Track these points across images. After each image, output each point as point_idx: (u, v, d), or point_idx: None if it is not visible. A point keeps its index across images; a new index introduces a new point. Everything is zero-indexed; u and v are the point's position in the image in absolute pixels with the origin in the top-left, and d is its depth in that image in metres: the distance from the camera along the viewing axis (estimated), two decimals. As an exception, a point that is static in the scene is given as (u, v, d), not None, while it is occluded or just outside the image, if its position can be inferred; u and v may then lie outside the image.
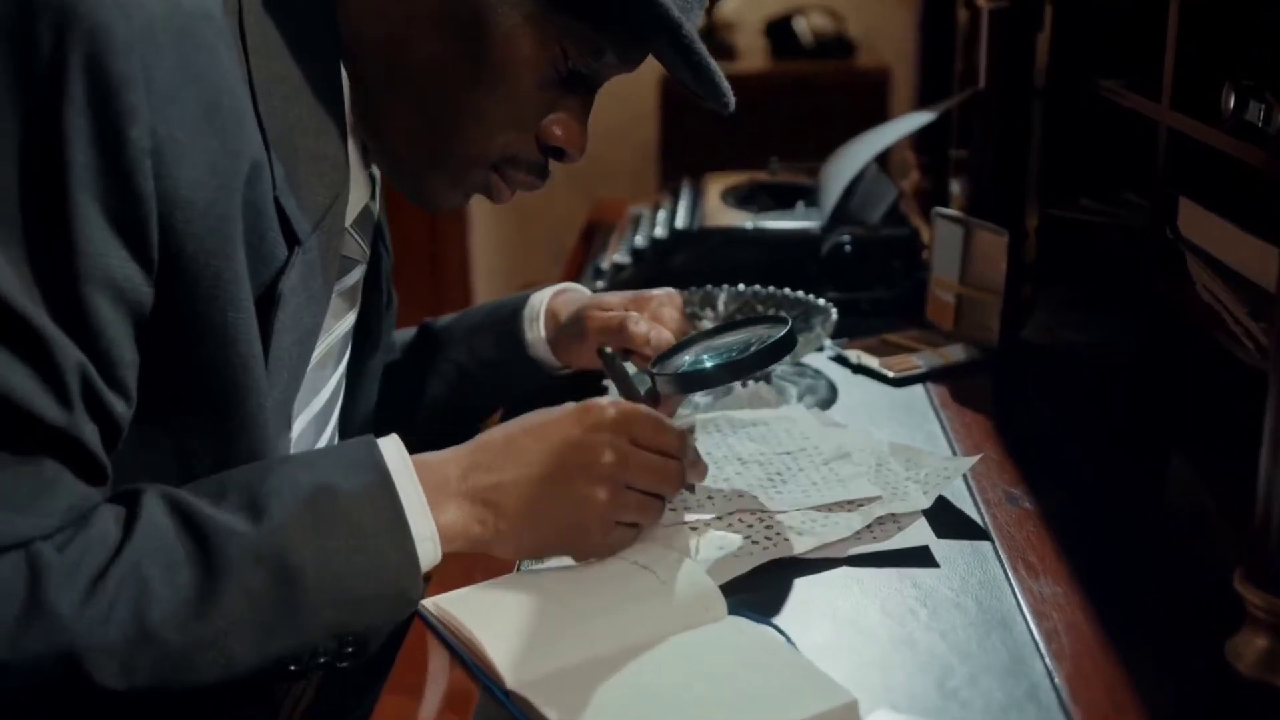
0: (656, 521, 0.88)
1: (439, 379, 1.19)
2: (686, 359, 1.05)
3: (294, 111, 0.83)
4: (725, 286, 1.33)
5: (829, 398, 1.21)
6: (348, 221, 0.92)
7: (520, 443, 0.85)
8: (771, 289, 1.32)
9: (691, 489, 0.93)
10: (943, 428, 1.14)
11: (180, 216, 0.73)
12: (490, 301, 1.24)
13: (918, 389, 1.23)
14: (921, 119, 1.52)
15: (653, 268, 1.47)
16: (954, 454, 1.09)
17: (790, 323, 0.99)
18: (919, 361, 1.26)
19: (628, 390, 0.96)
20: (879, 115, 3.37)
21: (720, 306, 1.33)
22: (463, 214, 3.09)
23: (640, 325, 1.07)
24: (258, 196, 0.78)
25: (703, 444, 1.08)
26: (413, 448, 1.26)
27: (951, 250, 1.33)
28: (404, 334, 1.25)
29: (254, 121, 0.79)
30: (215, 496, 0.77)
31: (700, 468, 0.91)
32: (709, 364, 1.01)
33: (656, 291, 1.14)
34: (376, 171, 0.99)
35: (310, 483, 0.78)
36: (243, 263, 0.78)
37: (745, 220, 1.49)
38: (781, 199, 1.64)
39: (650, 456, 0.85)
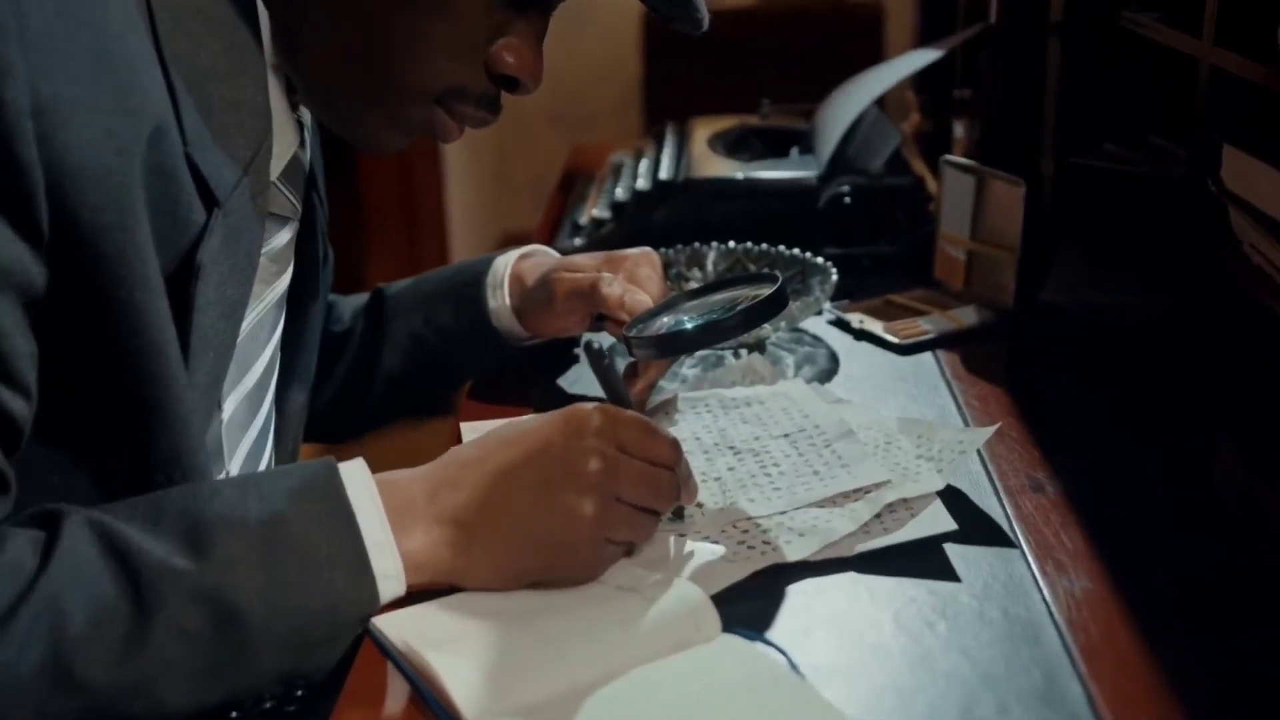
0: (649, 539, 0.79)
1: (394, 350, 1.09)
2: (665, 321, 0.95)
3: (204, 53, 0.72)
4: (714, 244, 1.22)
5: (829, 368, 1.10)
6: (274, 175, 0.82)
7: (495, 455, 0.76)
8: (765, 246, 1.21)
9: (681, 514, 0.83)
10: (956, 402, 1.03)
11: (72, 185, 0.63)
12: (450, 266, 1.13)
13: (926, 357, 1.13)
14: (926, 57, 1.40)
15: (635, 223, 1.36)
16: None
17: (780, 280, 0.89)
18: (927, 326, 1.15)
19: (616, 394, 0.85)
20: (873, 53, 3.24)
21: (709, 266, 1.22)
22: (436, 157, 2.96)
23: (614, 287, 0.97)
24: (165, 156, 0.68)
25: (692, 425, 0.97)
26: (368, 424, 1.17)
27: (962, 202, 1.21)
28: (355, 300, 1.14)
29: (157, 68, 0.69)
30: (149, 522, 0.67)
31: (692, 487, 0.81)
32: (690, 325, 0.91)
33: (632, 251, 1.03)
34: (306, 115, 0.88)
35: (260, 510, 0.69)
36: (148, 235, 0.67)
37: (735, 170, 1.37)
38: (773, 145, 1.52)
39: (641, 465, 0.76)
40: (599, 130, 3.57)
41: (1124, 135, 1.16)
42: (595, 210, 1.40)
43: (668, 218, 1.34)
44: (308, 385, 0.97)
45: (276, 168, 0.82)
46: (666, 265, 1.21)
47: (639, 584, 0.76)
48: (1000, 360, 1.12)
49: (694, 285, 1.14)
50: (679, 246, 1.22)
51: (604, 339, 0.82)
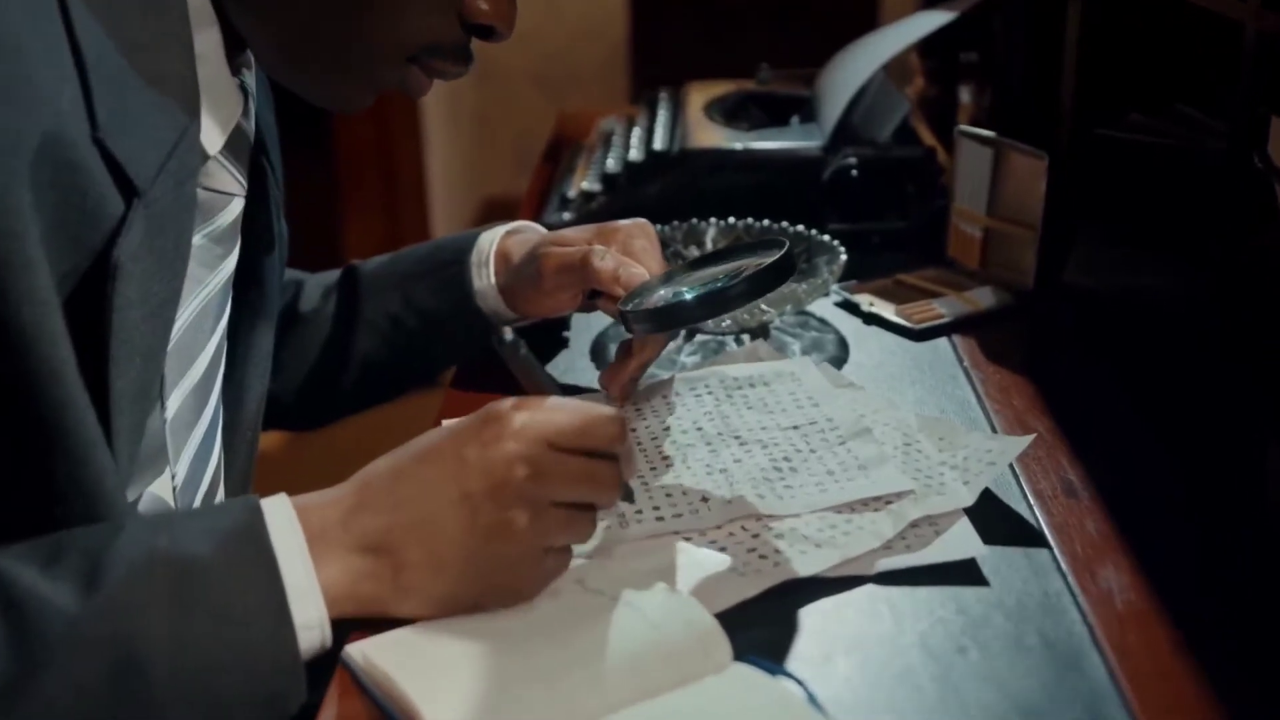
0: (588, 538, 0.71)
1: (369, 333, 1.01)
2: (663, 294, 0.87)
3: (120, 22, 0.64)
4: (713, 220, 1.14)
5: (838, 355, 1.03)
6: (215, 149, 0.74)
7: (411, 472, 0.68)
8: (767, 222, 1.13)
9: (630, 495, 0.74)
10: (976, 393, 0.96)
11: None
12: (429, 242, 1.05)
13: (941, 342, 1.05)
14: (935, 20, 1.31)
15: (627, 196, 1.27)
16: (992, 428, 0.91)
17: (788, 244, 0.82)
18: (942, 309, 1.08)
19: (537, 384, 0.75)
20: (869, 14, 3.14)
21: (708, 242, 1.14)
22: (415, 121, 2.86)
23: (607, 260, 0.89)
24: (67, 147, 0.60)
25: (693, 412, 0.90)
26: (341, 411, 1.07)
27: (978, 176, 1.13)
28: (325, 278, 1.06)
29: (63, 45, 0.61)
30: (46, 561, 0.59)
31: (634, 464, 0.74)
32: (690, 296, 0.83)
33: (625, 222, 0.95)
34: (250, 79, 0.80)
35: (171, 551, 0.61)
36: (38, 242, 0.59)
37: (734, 140, 1.29)
38: (773, 113, 1.43)
39: (574, 462, 0.68)
40: (583, 92, 3.47)
41: (1151, 104, 1.08)
42: (585, 183, 1.32)
43: (662, 191, 1.26)
44: (265, 372, 0.89)
45: (216, 142, 0.75)
46: (663, 243, 1.13)
47: (639, 599, 0.68)
48: (1020, 346, 1.04)
49: (695, 256, 1.07)
50: (675, 223, 1.14)
51: (508, 332, 0.72)
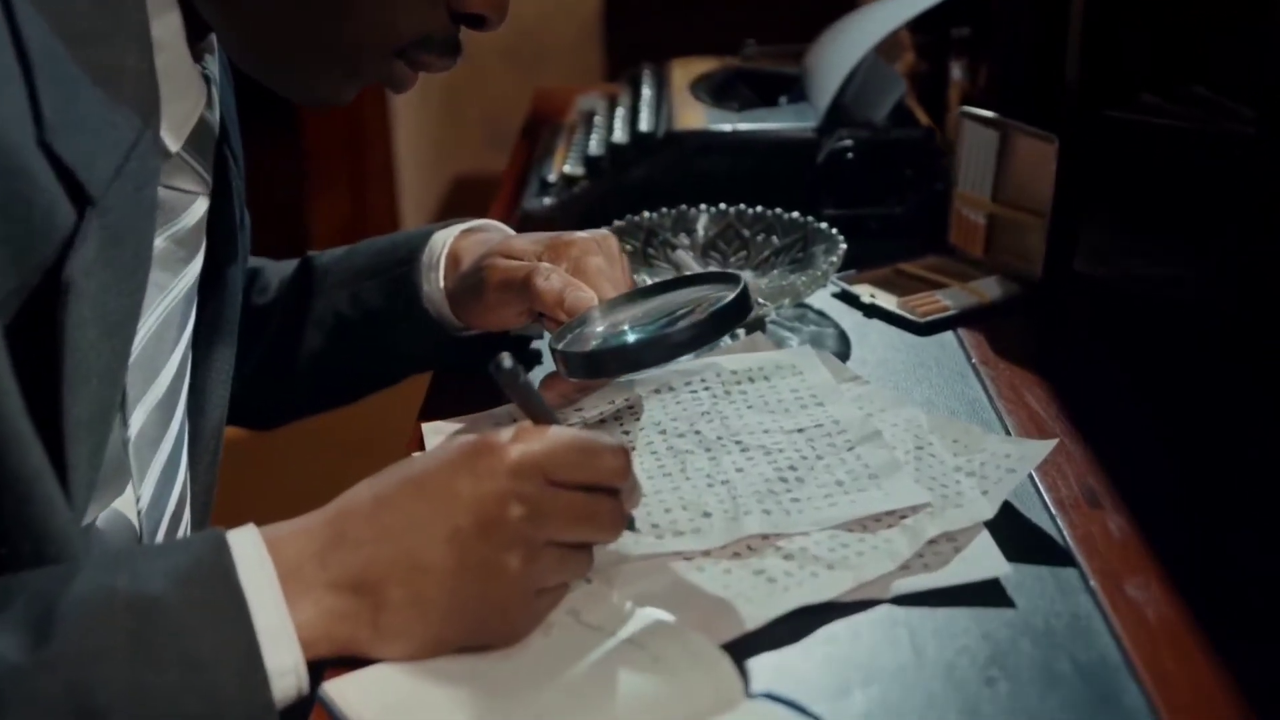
0: (585, 575, 0.66)
1: (316, 330, 0.94)
2: (600, 330, 0.80)
3: (70, 13, 0.59)
4: (704, 207, 1.08)
5: (840, 350, 0.98)
6: (176, 145, 0.68)
7: (396, 504, 0.62)
8: (760, 209, 1.08)
9: (632, 524, 0.69)
10: (986, 392, 0.91)
11: None
12: (386, 236, 0.98)
13: (947, 337, 1.00)
14: (933, -7, 1.25)
15: (611, 180, 1.21)
16: (1006, 430, 0.86)
17: (743, 284, 0.75)
18: (947, 301, 1.03)
19: (533, 411, 0.67)
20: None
21: (700, 231, 1.08)
22: (383, 98, 2.78)
23: (552, 280, 0.81)
24: (12, 149, 0.55)
25: (689, 412, 0.84)
26: (293, 411, 1.00)
27: (982, 159, 1.08)
28: (284, 269, 0.99)
29: (4, 34, 0.55)
30: None
31: (637, 496, 0.67)
32: (631, 338, 0.77)
33: (583, 235, 0.87)
34: (213, 66, 0.73)
35: (131, 593, 0.55)
36: None
37: (723, 121, 1.23)
38: (761, 91, 1.37)
39: (573, 499, 0.63)
40: (556, 68, 3.40)
41: (1163, 85, 1.03)
42: (566, 166, 1.25)
43: (648, 174, 1.20)
44: (228, 379, 0.83)
45: (178, 138, 0.69)
46: (652, 231, 1.07)
47: (640, 634, 0.63)
48: (1031, 340, 0.99)
49: (654, 274, 1.00)
50: (664, 209, 1.08)
51: (507, 359, 0.64)
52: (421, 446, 0.84)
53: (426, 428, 0.86)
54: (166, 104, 0.66)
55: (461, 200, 3.44)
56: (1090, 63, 1.09)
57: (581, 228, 0.90)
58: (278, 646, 0.57)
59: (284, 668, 0.57)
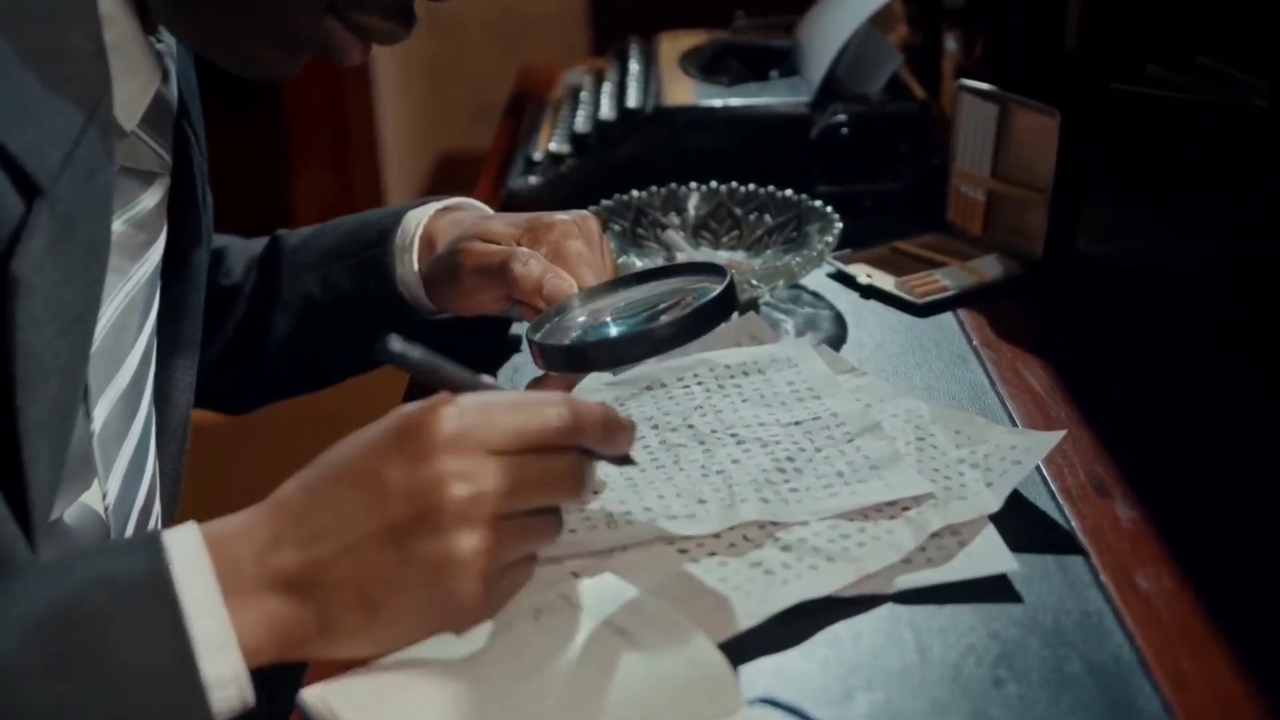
0: (557, 537, 0.60)
1: (285, 313, 0.91)
2: (581, 320, 0.76)
3: None
4: (695, 185, 1.05)
5: (835, 333, 0.95)
6: (132, 123, 0.65)
7: (326, 498, 0.56)
8: (752, 187, 1.04)
9: (629, 459, 0.63)
10: (988, 376, 0.88)
11: None
12: (357, 216, 0.93)
13: (946, 318, 0.97)
14: (927, -38, 1.22)
15: (598, 158, 1.18)
16: (1009, 416, 0.83)
17: (729, 278, 0.72)
18: (945, 280, 1.00)
19: (450, 382, 0.60)
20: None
21: (691, 210, 1.05)
22: (366, 70, 2.73)
23: (530, 266, 0.78)
24: None
25: (683, 406, 0.81)
26: (263, 396, 0.97)
27: (981, 134, 1.05)
28: (250, 248, 0.95)
29: None
30: None
31: (625, 430, 0.60)
32: (612, 331, 0.74)
33: (563, 216, 0.83)
34: (169, 38, 0.70)
35: (58, 604, 0.52)
36: None
37: (714, 96, 1.19)
38: (752, 65, 1.34)
39: (527, 463, 0.57)
40: (541, 42, 3.34)
41: (1167, 56, 1.00)
42: (552, 143, 1.22)
43: (637, 152, 1.17)
44: (194, 364, 0.79)
45: (134, 115, 0.65)
46: (641, 210, 1.04)
47: (636, 630, 0.60)
48: (1033, 321, 0.96)
49: (642, 261, 0.96)
50: (654, 188, 1.05)
51: (395, 341, 0.58)
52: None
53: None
54: (119, 81, 0.62)
55: (448, 176, 3.40)
56: (1090, 33, 1.06)
57: (569, 207, 0.86)
58: (216, 656, 0.53)
59: (223, 678, 0.53)
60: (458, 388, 0.60)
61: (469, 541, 0.55)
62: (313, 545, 0.55)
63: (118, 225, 0.66)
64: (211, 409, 0.98)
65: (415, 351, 0.59)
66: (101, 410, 0.67)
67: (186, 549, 0.54)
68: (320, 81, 2.71)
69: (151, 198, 0.70)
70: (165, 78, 0.69)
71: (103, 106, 0.60)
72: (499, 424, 0.56)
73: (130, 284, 0.69)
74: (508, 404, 0.57)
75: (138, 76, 0.65)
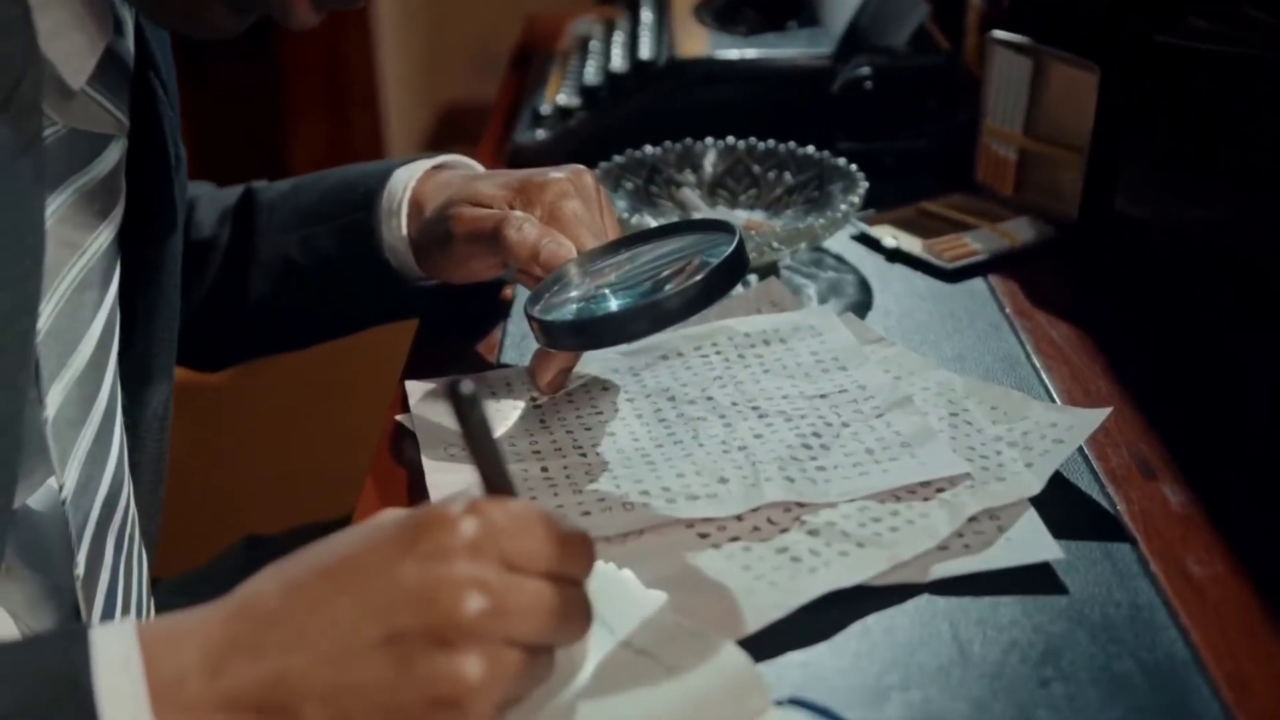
0: (545, 682, 0.51)
1: (262, 273, 0.85)
2: (580, 293, 0.71)
3: None
4: (711, 141, 1.00)
5: (861, 300, 0.90)
6: (79, 81, 0.60)
7: (315, 597, 0.47)
8: (771, 143, 0.99)
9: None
10: (1024, 348, 0.83)
11: None
12: (339, 172, 0.87)
13: (977, 283, 0.92)
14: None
15: (609, 112, 1.12)
16: (1047, 391, 0.78)
17: (738, 236, 0.66)
18: (976, 244, 0.95)
19: (489, 468, 0.51)
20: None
21: (707, 168, 1.00)
22: (365, 18, 2.66)
23: (525, 231, 0.71)
24: None
25: (699, 376, 0.77)
26: (240, 355, 0.91)
27: (1014, 90, 0.99)
28: (223, 199, 0.88)
29: None
30: None
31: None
32: (614, 305, 0.68)
33: (557, 173, 0.76)
34: None
35: None
36: None
37: (730, 48, 1.14)
38: (769, 14, 1.28)
39: (543, 588, 0.48)
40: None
41: (1212, 7, 0.94)
42: (561, 96, 1.16)
43: (649, 106, 1.11)
44: (173, 336, 0.74)
45: (82, 72, 0.60)
46: (654, 167, 0.99)
47: (651, 640, 0.55)
48: (1068, 288, 0.91)
49: (655, 220, 0.91)
50: (668, 144, 0.99)
51: (468, 383, 0.50)
52: (405, 407, 0.77)
53: (411, 386, 0.78)
54: (61, 36, 0.57)
55: (452, 128, 3.33)
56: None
57: (578, 163, 0.81)
58: None
59: None
60: (488, 476, 0.51)
61: (479, 665, 0.46)
62: (289, 654, 0.46)
63: (66, 196, 0.61)
64: (186, 366, 0.93)
65: (480, 409, 0.50)
66: (55, 395, 0.61)
67: (114, 651, 0.46)
68: (318, 34, 2.64)
69: (105, 163, 0.64)
70: (119, 28, 0.64)
71: (31, 72, 0.54)
72: (526, 539, 0.49)
73: (84, 258, 0.63)
74: (537, 519, 0.49)
75: (83, 30, 0.59)
